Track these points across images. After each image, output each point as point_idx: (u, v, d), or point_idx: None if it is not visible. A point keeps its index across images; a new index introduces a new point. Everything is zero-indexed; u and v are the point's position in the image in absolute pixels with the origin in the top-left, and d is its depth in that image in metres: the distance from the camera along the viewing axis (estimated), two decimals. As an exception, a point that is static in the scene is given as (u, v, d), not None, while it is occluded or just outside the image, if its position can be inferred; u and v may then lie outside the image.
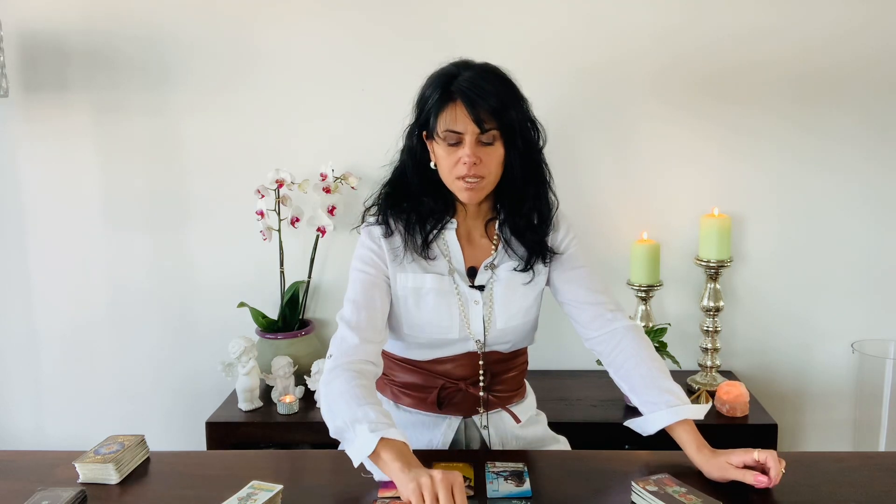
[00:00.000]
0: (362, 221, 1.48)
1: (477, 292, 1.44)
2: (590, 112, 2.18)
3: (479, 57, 1.42)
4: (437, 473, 1.08)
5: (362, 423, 1.18)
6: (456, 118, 1.33)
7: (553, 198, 1.47)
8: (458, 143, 1.34)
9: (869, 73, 2.12)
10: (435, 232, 1.44)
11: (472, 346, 1.45)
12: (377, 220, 1.45)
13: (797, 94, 2.14)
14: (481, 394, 1.46)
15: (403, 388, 1.49)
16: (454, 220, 1.46)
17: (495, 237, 1.47)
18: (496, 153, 1.36)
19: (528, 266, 1.45)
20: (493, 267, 1.46)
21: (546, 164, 1.45)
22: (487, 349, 1.45)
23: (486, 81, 1.33)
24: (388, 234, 1.44)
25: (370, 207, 1.47)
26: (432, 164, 1.40)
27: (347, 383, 1.26)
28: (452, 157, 1.35)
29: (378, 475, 1.21)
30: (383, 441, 1.15)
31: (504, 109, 1.33)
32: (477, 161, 1.33)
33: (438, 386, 1.46)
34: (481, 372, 1.45)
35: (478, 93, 1.32)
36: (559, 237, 1.49)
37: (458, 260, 1.45)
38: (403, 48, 2.15)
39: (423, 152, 1.42)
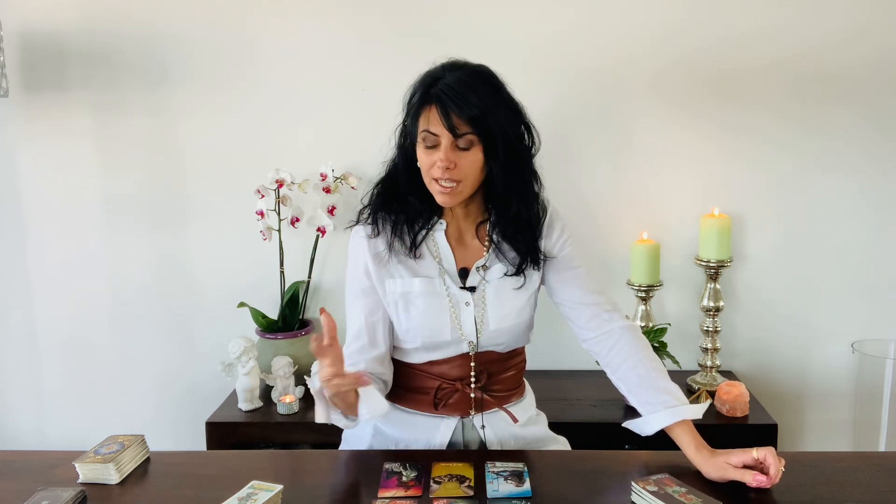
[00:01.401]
0: (358, 221, 1.48)
1: (467, 294, 1.43)
2: (590, 112, 2.18)
3: (478, 58, 1.41)
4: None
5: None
6: (430, 121, 1.33)
7: (543, 204, 1.46)
8: (435, 145, 1.34)
9: (869, 74, 2.12)
10: (423, 233, 1.44)
11: (465, 348, 1.44)
12: (366, 220, 1.46)
13: (797, 94, 2.14)
14: (472, 395, 1.46)
15: (400, 389, 1.49)
16: (443, 221, 1.46)
17: (487, 239, 1.47)
18: (473, 159, 1.34)
19: (518, 270, 1.44)
20: (484, 269, 1.45)
21: (535, 171, 1.44)
22: (481, 349, 1.45)
23: (468, 87, 1.32)
24: (375, 234, 1.44)
25: (364, 208, 1.47)
26: (419, 163, 1.40)
27: None
28: (430, 158, 1.35)
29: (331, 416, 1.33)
30: None
31: (483, 117, 1.31)
32: (451, 165, 1.33)
33: (435, 387, 1.46)
34: (472, 373, 1.45)
35: (454, 99, 1.30)
36: (553, 239, 1.48)
37: (449, 261, 1.45)
38: (403, 48, 2.15)
39: (413, 150, 1.41)
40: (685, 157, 2.19)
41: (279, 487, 1.19)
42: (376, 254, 1.43)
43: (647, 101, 2.16)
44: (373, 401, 1.31)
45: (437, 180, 1.35)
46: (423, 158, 1.36)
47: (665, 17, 2.12)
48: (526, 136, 1.41)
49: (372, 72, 2.18)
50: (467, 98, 1.31)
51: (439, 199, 1.38)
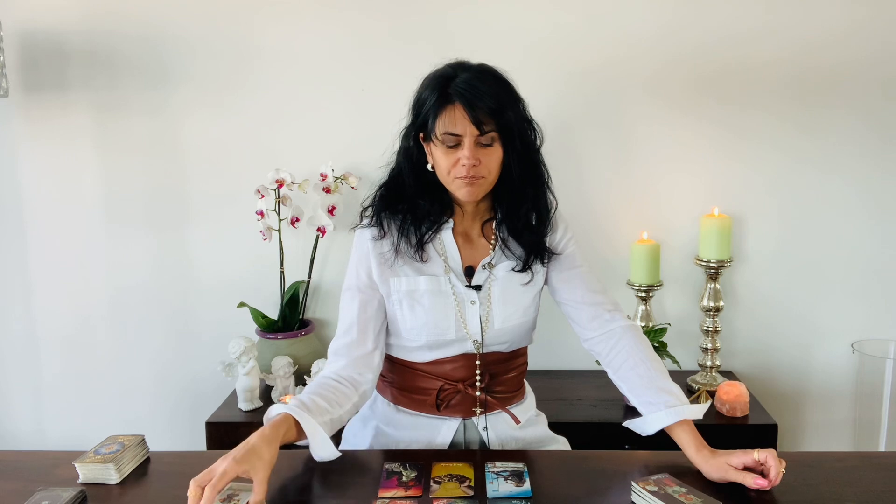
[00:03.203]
0: (360, 221, 1.48)
1: (473, 292, 1.43)
2: (590, 112, 2.18)
3: (478, 57, 1.41)
4: (217, 467, 1.16)
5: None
6: (455, 120, 1.33)
7: (551, 198, 1.47)
8: (456, 145, 1.34)
9: (868, 73, 2.12)
10: (430, 233, 1.44)
11: (469, 347, 1.44)
12: (370, 222, 1.45)
13: (796, 94, 2.14)
14: (478, 394, 1.46)
15: (402, 390, 1.49)
16: (451, 220, 1.46)
17: (493, 237, 1.47)
18: (495, 154, 1.36)
19: (525, 266, 1.45)
20: (490, 266, 1.46)
21: (544, 165, 1.45)
22: (485, 349, 1.45)
23: (484, 83, 1.33)
24: (381, 236, 1.44)
25: (367, 208, 1.47)
26: (429, 167, 1.40)
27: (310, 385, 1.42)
28: (451, 158, 1.35)
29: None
30: (284, 415, 1.32)
31: (502, 110, 1.33)
32: (476, 163, 1.33)
33: (437, 388, 1.46)
34: (478, 373, 1.45)
35: (475, 94, 1.31)
36: (557, 237, 1.48)
37: (455, 259, 1.45)
38: (403, 48, 2.15)
39: (420, 154, 1.41)
40: (685, 157, 2.19)
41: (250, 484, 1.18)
42: (381, 254, 1.43)
43: (648, 102, 2.16)
44: (320, 447, 1.31)
45: (460, 178, 1.35)
46: (443, 159, 1.36)
47: (664, 17, 2.12)
48: (530, 130, 1.42)
49: (372, 72, 2.18)
50: (486, 93, 1.32)
51: (463, 192, 1.37)
